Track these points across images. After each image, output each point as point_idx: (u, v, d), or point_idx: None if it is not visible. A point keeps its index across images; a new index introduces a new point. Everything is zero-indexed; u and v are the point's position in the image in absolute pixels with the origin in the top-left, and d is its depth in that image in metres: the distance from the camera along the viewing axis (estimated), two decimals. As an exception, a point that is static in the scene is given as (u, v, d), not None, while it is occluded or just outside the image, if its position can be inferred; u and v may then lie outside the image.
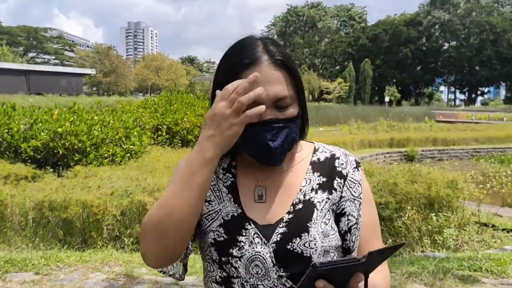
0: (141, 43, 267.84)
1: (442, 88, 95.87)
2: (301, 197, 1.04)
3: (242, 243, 1.00)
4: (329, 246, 0.99)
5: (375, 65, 78.21)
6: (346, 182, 1.06)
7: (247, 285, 0.99)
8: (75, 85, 46.85)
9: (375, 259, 0.86)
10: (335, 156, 1.09)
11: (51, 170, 7.39)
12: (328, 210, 1.03)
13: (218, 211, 1.04)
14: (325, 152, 1.11)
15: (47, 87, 40.71)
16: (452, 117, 43.82)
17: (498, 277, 4.25)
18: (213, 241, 1.02)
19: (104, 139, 8.99)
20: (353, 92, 73.16)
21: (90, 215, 5.38)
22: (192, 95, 17.93)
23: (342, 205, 1.04)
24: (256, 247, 0.99)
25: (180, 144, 14.66)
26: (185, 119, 15.43)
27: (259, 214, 1.02)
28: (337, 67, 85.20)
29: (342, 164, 1.08)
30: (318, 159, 1.09)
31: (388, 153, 21.34)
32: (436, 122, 38.50)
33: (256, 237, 1.00)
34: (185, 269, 1.10)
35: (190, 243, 1.05)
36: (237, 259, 0.99)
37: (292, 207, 1.03)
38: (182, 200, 0.91)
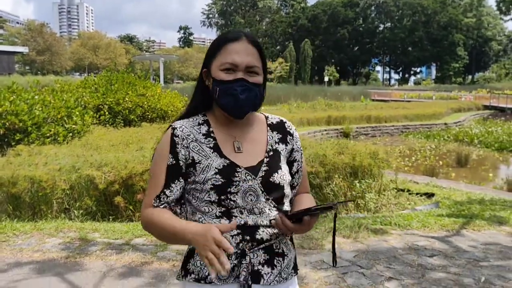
0: (76, 20, 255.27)
1: (378, 68, 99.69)
2: (270, 147, 1.45)
3: (237, 182, 1.35)
4: (288, 179, 1.46)
5: (314, 45, 79.91)
6: (293, 138, 1.53)
7: (244, 211, 1.35)
8: (6, 64, 44.46)
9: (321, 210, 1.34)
10: (283, 121, 1.56)
11: (-7, 149, 7.45)
12: (285, 157, 1.50)
13: (208, 165, 1.36)
14: (274, 118, 1.57)
15: (-26, 66, 38.46)
16: (386, 96, 45.93)
17: (404, 229, 5.05)
18: (212, 186, 1.34)
19: (46, 119, 9.06)
20: (293, 72, 74.57)
21: (39, 190, 5.63)
22: (133, 75, 17.87)
23: (293, 154, 1.52)
24: (248, 182, 1.36)
25: (122, 124, 14.74)
26: (126, 99, 15.46)
27: (242, 160, 1.39)
28: (278, 47, 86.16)
29: (289, 126, 1.56)
30: (272, 122, 1.53)
31: (325, 130, 22.34)
32: (372, 101, 40.38)
33: (247, 175, 1.36)
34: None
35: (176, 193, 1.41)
36: (235, 194, 1.34)
37: (267, 153, 1.43)
38: (166, 236, 1.34)
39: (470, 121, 29.20)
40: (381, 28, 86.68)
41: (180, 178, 1.39)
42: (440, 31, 77.18)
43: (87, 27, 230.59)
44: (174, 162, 1.38)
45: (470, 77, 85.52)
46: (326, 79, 66.22)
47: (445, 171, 13.00)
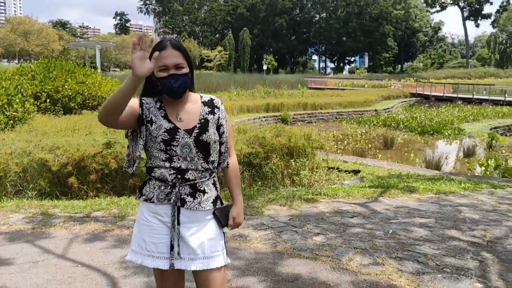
0: (2, 4, 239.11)
1: (315, 57, 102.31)
2: (202, 117, 2.07)
3: (178, 138, 1.98)
4: (214, 139, 2.07)
5: (253, 34, 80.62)
6: (219, 110, 2.16)
7: (181, 158, 1.98)
8: None
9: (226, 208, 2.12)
10: (212, 99, 2.19)
11: None
12: (213, 124, 2.11)
13: (160, 125, 1.99)
14: (206, 97, 2.20)
15: None
16: (322, 84, 47.64)
17: (332, 198, 5.87)
18: (161, 140, 1.97)
19: (-13, 106, 9.07)
20: (233, 60, 75.01)
21: (-7, 173, 5.88)
22: (71, 62, 17.67)
23: (219, 121, 2.14)
24: (185, 139, 1.99)
25: (62, 111, 14.66)
26: (66, 87, 15.35)
27: (182, 125, 2.00)
28: (217, 36, 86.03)
29: (217, 102, 2.18)
30: (204, 100, 2.16)
31: (264, 117, 23.18)
32: (308, 89, 41.81)
33: (185, 135, 1.99)
34: (136, 170, 2.08)
35: (141, 152, 2.02)
36: (176, 146, 1.97)
37: (199, 120, 2.06)
38: (119, 94, 1.82)
39: (398, 108, 31.23)
40: (317, 18, 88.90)
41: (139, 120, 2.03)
42: (372, 22, 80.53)
43: (15, 11, 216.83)
44: (140, 111, 2.02)
45: (399, 66, 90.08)
46: (265, 67, 67.30)
47: (373, 153, 14.20)
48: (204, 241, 2.02)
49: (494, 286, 3.28)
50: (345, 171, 8.60)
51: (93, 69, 19.51)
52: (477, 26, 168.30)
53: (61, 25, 76.78)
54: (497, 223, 4.84)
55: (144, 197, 2.06)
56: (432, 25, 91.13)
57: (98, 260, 3.69)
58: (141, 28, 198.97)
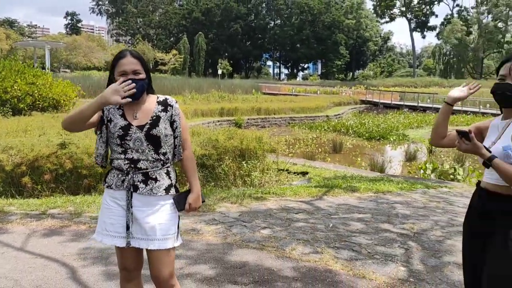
0: None
1: (269, 63, 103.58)
2: (154, 114, 2.37)
3: (130, 133, 2.27)
4: (165, 133, 2.38)
5: (208, 38, 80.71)
6: (173, 108, 2.46)
7: (134, 150, 2.28)
8: None
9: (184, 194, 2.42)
10: (167, 98, 2.50)
11: None
12: (165, 120, 2.41)
13: (116, 123, 2.29)
14: (161, 97, 2.50)
15: None
16: (276, 90, 48.45)
17: (280, 196, 6.27)
18: (117, 135, 2.28)
19: None
20: (187, 64, 74.71)
21: None
22: (21, 63, 17.27)
23: (173, 117, 2.45)
24: (137, 134, 2.28)
25: (11, 113, 14.37)
26: (15, 87, 15.05)
27: (136, 122, 2.30)
28: (172, 39, 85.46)
29: (170, 101, 2.49)
30: (160, 100, 2.47)
31: (218, 121, 23.45)
32: (262, 94, 42.47)
33: (137, 130, 2.28)
34: (103, 163, 2.42)
35: (101, 148, 2.39)
36: (129, 140, 2.27)
37: (151, 117, 2.36)
38: (89, 111, 2.18)
39: (348, 114, 32.39)
40: (271, 25, 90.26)
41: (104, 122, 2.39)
42: (325, 30, 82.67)
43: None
44: (102, 113, 2.36)
45: (351, 74, 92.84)
46: (219, 72, 67.53)
47: (322, 156, 14.84)
48: (155, 224, 2.32)
49: (415, 269, 3.77)
50: (294, 172, 9.07)
51: (43, 70, 19.13)
52: (423, 37, 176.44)
53: (8, 23, 73.78)
54: (425, 217, 5.41)
55: (106, 184, 2.39)
56: (382, 35, 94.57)
57: (56, 252, 3.89)
58: (92, 29, 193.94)
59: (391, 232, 4.74)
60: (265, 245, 4.23)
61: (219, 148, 8.07)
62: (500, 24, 75.19)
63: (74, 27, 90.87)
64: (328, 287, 3.39)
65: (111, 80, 2.35)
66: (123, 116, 2.33)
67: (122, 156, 2.32)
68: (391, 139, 19.96)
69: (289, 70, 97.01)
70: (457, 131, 2.08)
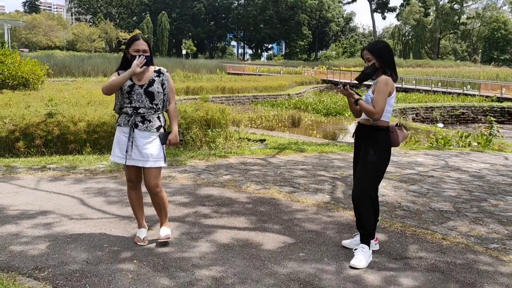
0: None
1: (234, 43, 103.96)
2: (151, 78, 3.53)
3: (135, 90, 3.46)
4: (158, 91, 3.55)
5: (171, 18, 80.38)
6: (163, 75, 3.64)
7: (136, 101, 3.44)
8: None
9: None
10: (161, 68, 3.67)
11: None
12: (158, 83, 3.58)
13: (126, 83, 3.44)
14: (157, 67, 3.67)
15: None
16: (240, 70, 49.40)
17: (240, 155, 7.53)
18: (126, 91, 3.45)
19: None
20: (151, 44, 74.36)
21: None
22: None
23: (163, 81, 3.62)
24: (139, 90, 3.47)
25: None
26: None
27: (139, 82, 3.48)
28: (134, 18, 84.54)
29: (163, 70, 3.66)
30: (156, 69, 3.63)
31: (184, 99, 24.28)
32: (227, 74, 43.43)
33: (139, 87, 3.47)
34: (118, 110, 3.58)
35: (118, 102, 3.54)
36: (133, 94, 3.45)
37: (149, 80, 3.50)
38: (122, 80, 3.37)
39: (309, 93, 33.86)
40: (235, 5, 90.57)
41: None
42: (288, 11, 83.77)
43: None
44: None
45: (314, 54, 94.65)
46: (184, 52, 67.78)
47: (281, 130, 16.18)
48: (149, 151, 3.50)
49: (336, 196, 5.12)
50: (254, 140, 10.34)
51: (12, 49, 19.52)
52: (384, 18, 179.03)
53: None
54: (355, 167, 6.79)
55: (118, 123, 3.54)
56: (344, 15, 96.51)
57: (65, 190, 5.01)
58: (50, 7, 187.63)
59: (325, 177, 6.08)
60: (226, 184, 5.49)
61: (187, 118, 9.21)
62: (456, 6, 78.44)
63: (32, 5, 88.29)
64: (271, 207, 4.68)
65: (125, 54, 3.51)
66: (130, 79, 3.45)
67: (129, 105, 3.45)
68: (346, 115, 21.52)
69: (253, 51, 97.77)
70: (340, 82, 3.40)
